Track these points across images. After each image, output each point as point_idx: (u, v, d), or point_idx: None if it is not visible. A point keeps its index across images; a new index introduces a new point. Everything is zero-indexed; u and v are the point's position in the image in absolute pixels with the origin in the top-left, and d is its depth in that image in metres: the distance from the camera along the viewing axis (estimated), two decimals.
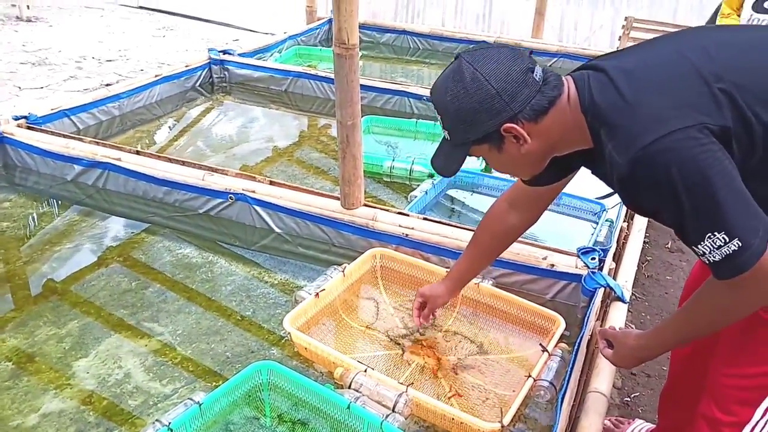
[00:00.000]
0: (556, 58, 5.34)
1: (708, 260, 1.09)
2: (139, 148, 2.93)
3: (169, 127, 3.90)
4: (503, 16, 7.20)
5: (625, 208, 2.64)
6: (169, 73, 4.16)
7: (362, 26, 6.05)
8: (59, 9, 7.64)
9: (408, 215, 2.47)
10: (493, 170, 3.27)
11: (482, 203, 3.06)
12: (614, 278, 2.14)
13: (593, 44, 6.61)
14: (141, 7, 8.03)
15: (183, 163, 2.79)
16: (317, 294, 2.03)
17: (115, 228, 2.73)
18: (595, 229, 2.70)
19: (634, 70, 1.13)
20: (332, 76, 2.25)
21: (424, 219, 2.44)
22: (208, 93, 4.45)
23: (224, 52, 4.56)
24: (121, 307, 2.23)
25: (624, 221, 2.55)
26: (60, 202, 2.92)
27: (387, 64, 5.69)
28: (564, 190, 2.97)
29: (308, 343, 1.85)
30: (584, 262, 2.17)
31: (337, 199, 2.51)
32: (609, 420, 1.94)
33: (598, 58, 1.23)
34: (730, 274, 1.09)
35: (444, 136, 1.27)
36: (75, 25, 7.07)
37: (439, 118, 1.25)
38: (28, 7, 7.12)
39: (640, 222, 2.52)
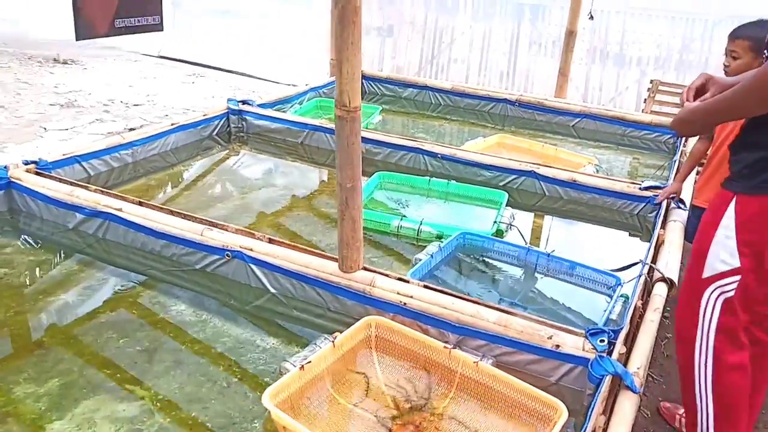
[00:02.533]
0: (579, 119, 5.26)
1: None
2: (142, 199, 2.90)
3: (182, 175, 3.90)
4: (527, 75, 7.20)
5: (641, 285, 2.48)
6: (185, 122, 4.18)
7: (385, 80, 6.09)
8: (96, 54, 7.89)
9: (408, 281, 2.35)
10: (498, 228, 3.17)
11: (492, 268, 2.94)
12: (625, 364, 1.98)
13: (618, 105, 6.53)
14: (165, 57, 8.24)
15: (183, 216, 2.74)
16: (302, 366, 1.91)
17: (111, 280, 2.67)
18: (608, 304, 2.55)
19: None
20: None
21: (425, 287, 2.32)
22: (225, 142, 4.46)
23: (243, 102, 4.58)
24: (105, 367, 2.14)
25: (639, 299, 2.38)
26: (61, 250, 2.89)
27: (408, 118, 5.68)
28: (579, 260, 2.84)
29: (287, 422, 1.73)
30: (592, 345, 2.02)
31: (336, 260, 2.42)
32: None
33: None
34: None
35: None
36: (109, 69, 7.28)
37: None
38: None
39: (658, 301, 2.35)
